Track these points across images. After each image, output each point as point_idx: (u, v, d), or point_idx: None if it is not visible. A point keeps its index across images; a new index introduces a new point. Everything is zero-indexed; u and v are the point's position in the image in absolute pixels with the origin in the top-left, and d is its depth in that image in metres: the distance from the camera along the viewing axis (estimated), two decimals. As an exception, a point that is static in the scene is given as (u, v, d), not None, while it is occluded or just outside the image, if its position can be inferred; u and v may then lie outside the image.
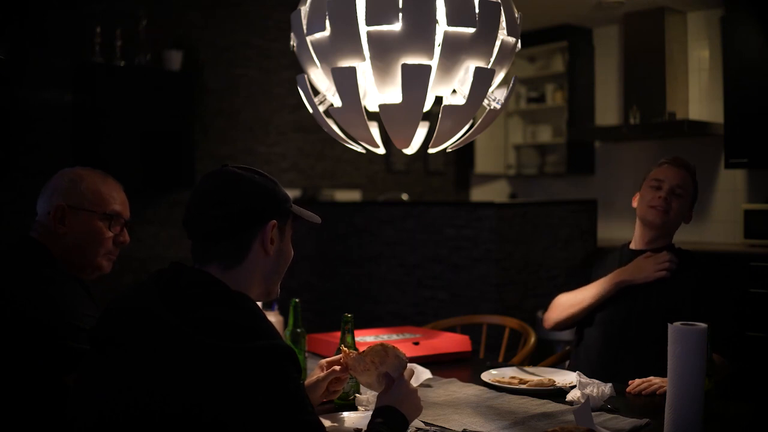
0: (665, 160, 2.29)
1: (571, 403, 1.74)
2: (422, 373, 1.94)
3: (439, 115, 1.92)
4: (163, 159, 4.51)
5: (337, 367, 1.62)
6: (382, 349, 1.48)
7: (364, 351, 1.51)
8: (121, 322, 1.20)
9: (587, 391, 1.70)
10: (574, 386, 1.78)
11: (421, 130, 2.09)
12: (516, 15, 1.99)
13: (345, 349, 1.62)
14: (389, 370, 1.46)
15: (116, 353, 1.18)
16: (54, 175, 1.81)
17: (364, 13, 1.79)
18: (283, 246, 1.35)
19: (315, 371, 1.66)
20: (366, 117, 1.93)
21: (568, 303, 2.32)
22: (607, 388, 1.70)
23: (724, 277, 2.26)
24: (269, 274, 1.34)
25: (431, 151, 2.06)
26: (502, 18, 1.91)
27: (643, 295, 2.18)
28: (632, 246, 2.32)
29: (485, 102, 2.00)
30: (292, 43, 2.06)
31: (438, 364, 2.17)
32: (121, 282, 4.12)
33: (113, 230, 1.79)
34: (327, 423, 1.57)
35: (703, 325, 1.43)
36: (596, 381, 1.73)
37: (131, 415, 1.12)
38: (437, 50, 1.84)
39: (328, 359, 1.65)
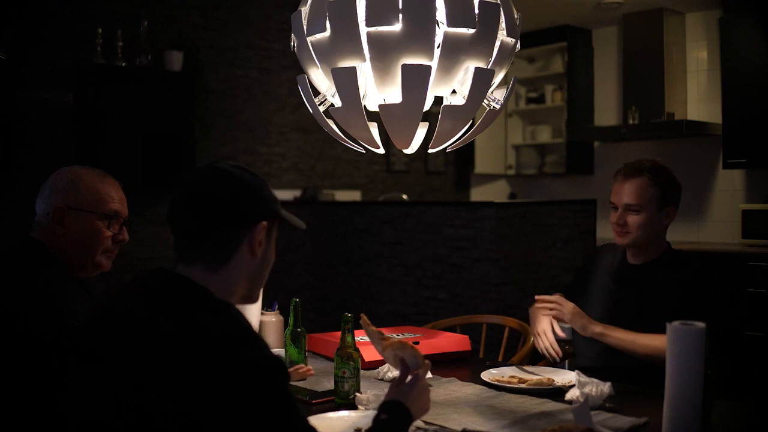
0: (619, 172, 2.18)
1: (570, 402, 1.75)
2: (422, 373, 1.95)
3: (439, 115, 1.93)
4: (163, 159, 4.52)
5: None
6: (401, 344, 1.49)
7: (385, 339, 1.54)
8: (110, 331, 1.19)
9: (586, 390, 1.71)
10: (573, 385, 1.79)
11: (421, 130, 2.10)
12: (515, 16, 2.00)
13: (366, 318, 1.65)
14: (405, 357, 1.46)
15: (102, 363, 1.17)
16: (51, 174, 1.80)
17: (364, 14, 1.80)
18: (268, 249, 1.31)
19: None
20: (366, 117, 1.94)
21: None
22: (606, 387, 1.71)
23: (716, 276, 2.25)
24: (254, 276, 1.30)
25: (431, 151, 2.07)
26: (502, 19, 1.92)
27: (635, 296, 2.16)
28: (629, 258, 2.25)
29: (485, 102, 2.01)
30: (292, 43, 2.07)
31: (438, 363, 2.17)
32: (121, 281, 4.12)
33: (112, 229, 1.79)
34: (327, 422, 1.58)
35: (702, 324, 1.44)
36: (595, 380, 1.73)
37: (121, 426, 1.11)
38: (437, 51, 1.85)
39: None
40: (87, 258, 1.77)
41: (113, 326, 1.19)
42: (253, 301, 1.35)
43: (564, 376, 1.97)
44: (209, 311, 1.17)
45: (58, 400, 1.27)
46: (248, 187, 1.27)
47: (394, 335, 2.35)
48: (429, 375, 1.96)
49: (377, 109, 1.95)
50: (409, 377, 1.44)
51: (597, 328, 2.04)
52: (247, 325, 1.18)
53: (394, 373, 1.93)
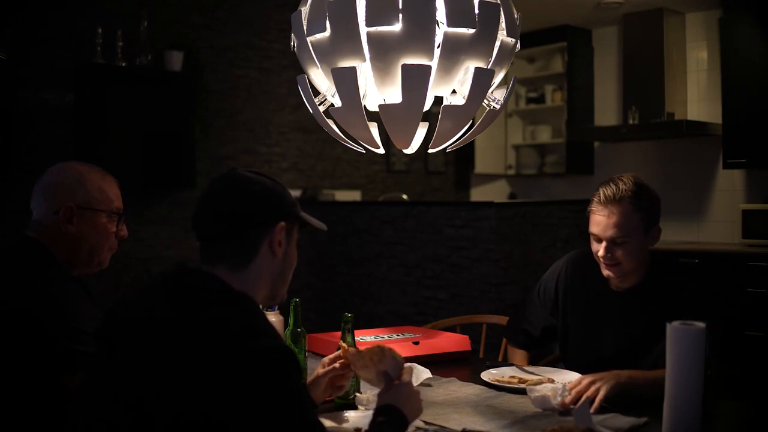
0: (595, 199, 2.00)
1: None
2: (422, 373, 1.95)
3: (439, 115, 1.93)
4: (163, 159, 4.52)
5: (338, 364, 1.63)
6: (380, 350, 1.49)
7: (362, 350, 1.53)
8: (128, 325, 1.21)
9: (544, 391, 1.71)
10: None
11: (421, 130, 2.10)
12: (515, 16, 2.00)
13: (344, 344, 1.64)
14: (388, 369, 1.47)
15: (122, 356, 1.19)
16: (50, 171, 1.77)
17: (364, 14, 1.80)
18: (289, 250, 1.36)
19: (316, 368, 1.67)
20: (366, 117, 1.94)
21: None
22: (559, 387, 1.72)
23: (714, 276, 2.14)
24: (276, 277, 1.34)
25: (431, 151, 2.07)
26: (502, 19, 1.92)
27: (624, 326, 2.06)
28: (612, 284, 2.09)
29: (485, 102, 2.01)
30: (292, 43, 2.07)
31: (438, 363, 2.18)
32: (121, 281, 4.13)
33: (113, 226, 1.80)
34: (327, 422, 1.58)
35: (702, 324, 1.44)
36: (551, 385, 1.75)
37: (137, 417, 1.13)
38: (437, 51, 1.85)
39: (329, 357, 1.66)
40: (93, 255, 1.77)
41: (133, 322, 1.21)
42: (278, 300, 1.39)
43: (564, 376, 1.97)
44: (222, 302, 1.20)
45: (74, 394, 1.28)
46: (266, 189, 1.32)
47: (394, 335, 2.36)
48: (429, 375, 1.96)
49: (377, 109, 1.95)
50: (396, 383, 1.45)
51: (623, 378, 1.79)
52: (260, 315, 1.21)
53: None
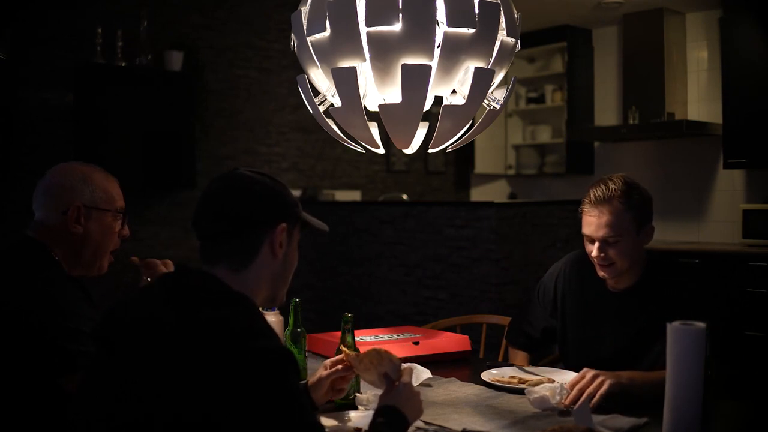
0: (586, 200, 2.01)
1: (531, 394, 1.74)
2: (422, 373, 1.95)
3: (439, 115, 1.93)
4: (163, 159, 4.52)
5: (340, 366, 1.63)
6: (376, 352, 1.50)
7: (361, 354, 1.53)
8: (128, 325, 1.21)
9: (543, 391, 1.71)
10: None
11: (421, 130, 2.10)
12: (516, 15, 1.99)
13: (345, 348, 1.63)
14: (388, 371, 1.47)
15: (122, 356, 1.19)
16: (52, 172, 1.77)
17: (364, 14, 1.80)
18: (289, 251, 1.35)
19: (318, 370, 1.67)
20: (366, 117, 1.94)
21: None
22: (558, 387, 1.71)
23: (715, 276, 2.15)
24: (276, 277, 1.34)
25: (431, 151, 2.07)
26: (502, 18, 1.92)
27: (621, 326, 2.07)
28: (609, 285, 2.10)
29: (485, 102, 2.01)
30: (292, 43, 2.07)
31: (438, 363, 2.18)
32: (120, 282, 4.12)
33: (117, 225, 1.80)
34: (327, 422, 1.58)
35: (702, 324, 1.44)
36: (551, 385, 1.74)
37: (137, 417, 1.12)
38: (437, 51, 1.85)
39: (332, 359, 1.66)
40: (97, 255, 1.77)
41: (131, 322, 1.21)
42: (278, 302, 1.39)
43: (564, 376, 1.97)
44: (221, 303, 1.19)
45: (74, 394, 1.28)
46: (267, 190, 1.31)
47: (394, 335, 2.36)
48: (429, 375, 1.96)
49: (377, 109, 1.95)
50: (396, 384, 1.46)
51: (624, 379, 1.77)
52: (259, 316, 1.21)
53: None
